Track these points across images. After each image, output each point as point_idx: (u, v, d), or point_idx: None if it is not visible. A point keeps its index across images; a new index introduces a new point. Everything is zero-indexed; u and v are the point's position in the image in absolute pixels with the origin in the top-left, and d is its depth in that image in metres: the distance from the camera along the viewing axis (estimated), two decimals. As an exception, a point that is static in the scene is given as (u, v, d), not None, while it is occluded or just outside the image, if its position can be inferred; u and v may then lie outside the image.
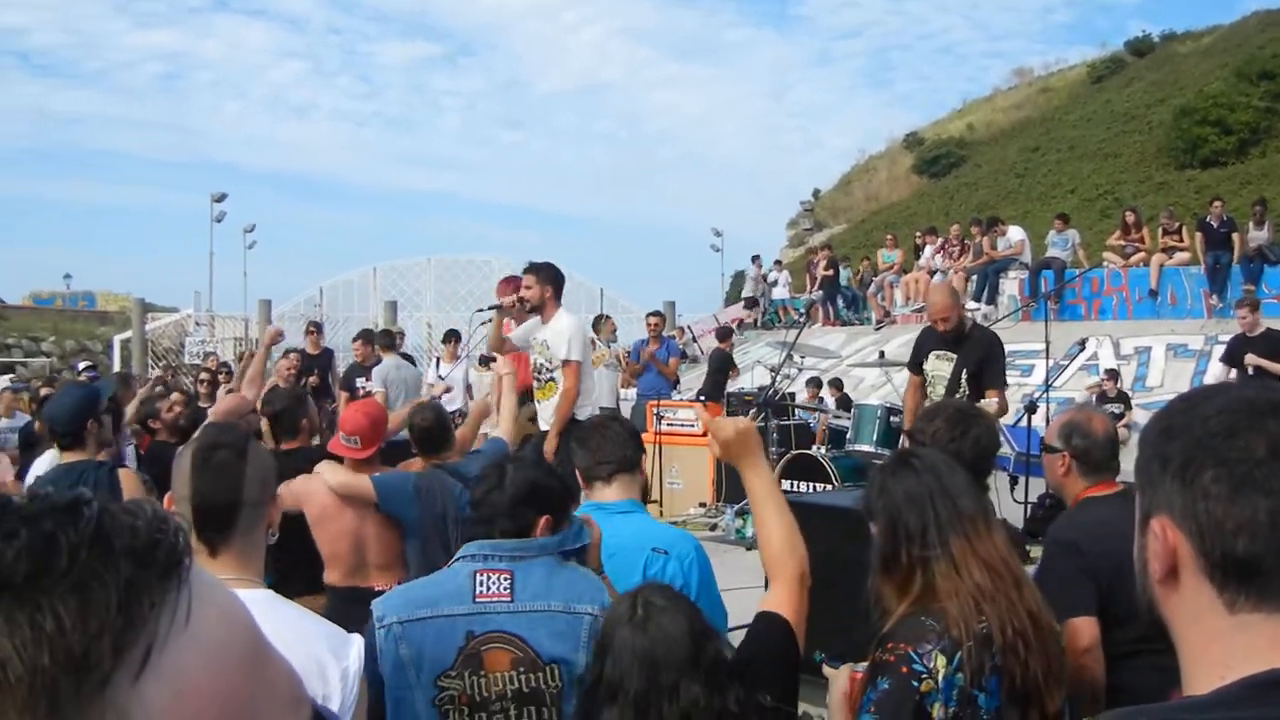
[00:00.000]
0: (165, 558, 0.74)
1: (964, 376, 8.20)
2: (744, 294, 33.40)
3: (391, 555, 5.93)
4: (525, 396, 9.96)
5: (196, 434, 3.34)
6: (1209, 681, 1.33)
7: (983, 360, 8.28)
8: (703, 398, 15.15)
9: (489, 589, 3.46)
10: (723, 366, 16.23)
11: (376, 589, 5.52)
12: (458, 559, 3.59)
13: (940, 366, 8.40)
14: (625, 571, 4.03)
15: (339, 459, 6.06)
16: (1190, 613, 1.41)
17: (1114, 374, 18.50)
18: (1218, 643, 1.36)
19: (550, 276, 8.93)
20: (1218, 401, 1.42)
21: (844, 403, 16.76)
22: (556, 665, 3.44)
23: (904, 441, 8.48)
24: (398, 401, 12.95)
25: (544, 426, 8.96)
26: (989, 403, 7.65)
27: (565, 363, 8.70)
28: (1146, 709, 1.36)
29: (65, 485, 4.99)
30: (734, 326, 26.41)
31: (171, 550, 0.75)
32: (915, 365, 8.75)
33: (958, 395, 8.09)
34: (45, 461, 6.34)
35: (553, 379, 8.85)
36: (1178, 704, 1.36)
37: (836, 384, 19.21)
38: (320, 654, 2.78)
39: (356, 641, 2.93)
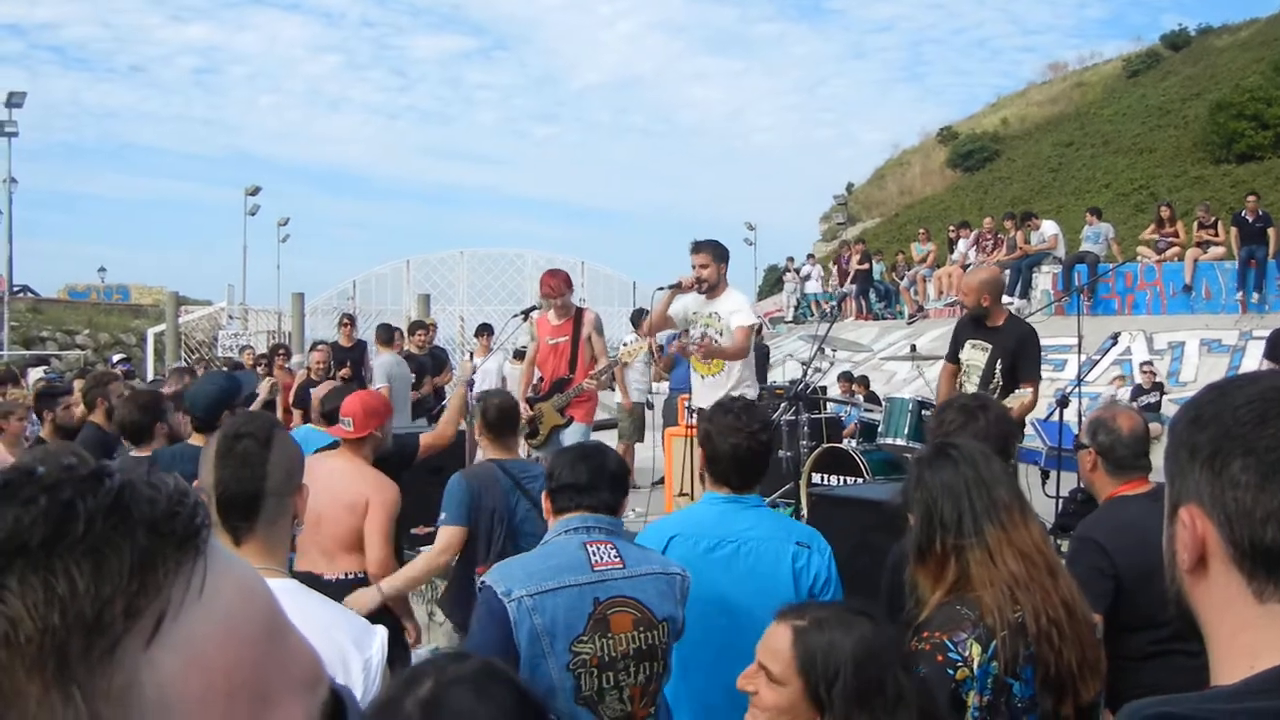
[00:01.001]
0: (183, 529, 0.75)
1: (999, 367, 8.15)
2: (785, 294, 33.44)
3: (340, 544, 5.76)
4: (555, 388, 9.96)
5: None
6: (1237, 671, 1.33)
7: (1017, 352, 8.18)
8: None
9: (603, 557, 3.74)
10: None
11: (324, 576, 5.66)
12: (559, 533, 3.83)
13: (975, 356, 8.35)
14: (771, 563, 4.25)
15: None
16: (1218, 602, 1.40)
17: (1149, 367, 18.40)
18: (1246, 632, 1.36)
19: (723, 254, 8.90)
20: (1248, 390, 1.41)
21: (870, 399, 16.72)
22: (666, 623, 3.77)
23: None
24: (400, 397, 12.96)
25: (706, 403, 8.54)
26: (1021, 394, 7.62)
27: (742, 328, 8.61)
28: (1173, 698, 1.35)
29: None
30: (766, 321, 26.35)
31: (189, 522, 0.76)
32: (952, 355, 8.71)
33: (992, 386, 8.04)
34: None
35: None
36: (1205, 694, 1.35)
37: (863, 381, 19.10)
38: (343, 644, 2.81)
39: (380, 633, 2.96)
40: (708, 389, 8.61)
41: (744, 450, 4.36)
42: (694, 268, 8.77)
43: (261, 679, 0.80)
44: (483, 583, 3.72)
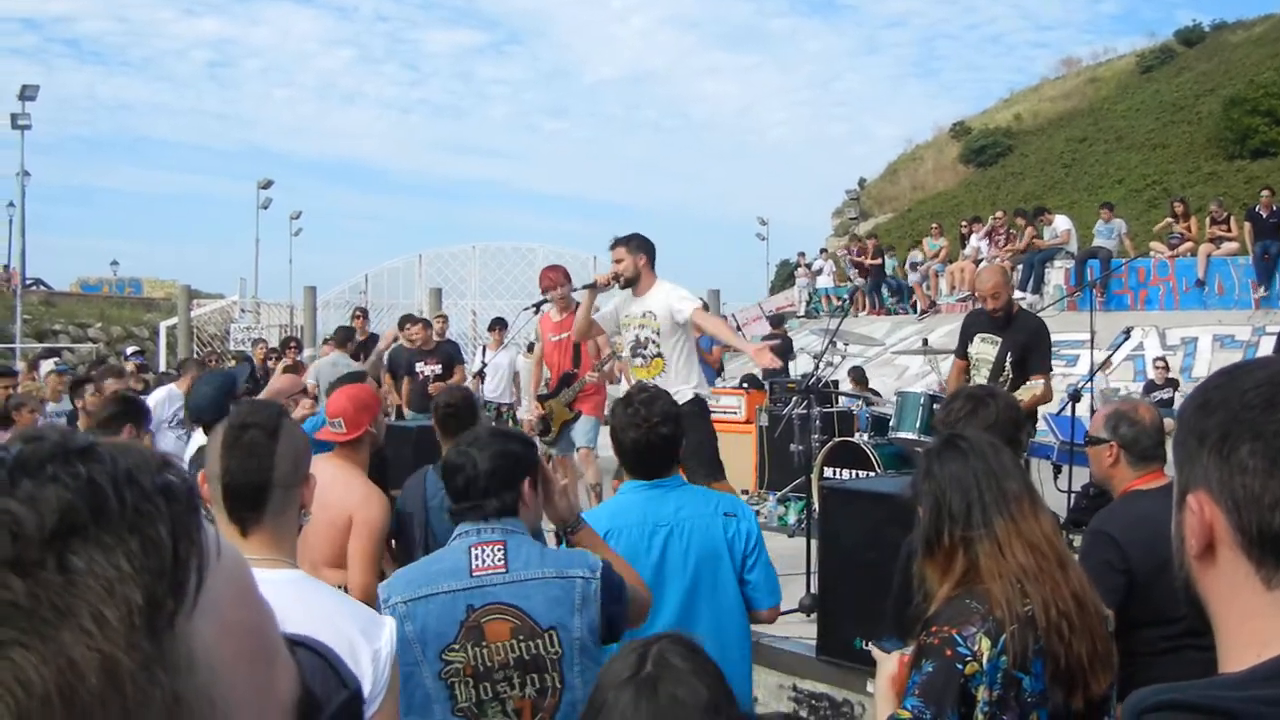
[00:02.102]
0: (187, 494, 0.74)
1: (1008, 361, 8.12)
2: (796, 288, 33.46)
3: (322, 558, 5.44)
4: (562, 384, 9.96)
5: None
6: (1245, 659, 1.32)
7: (1028, 346, 8.15)
8: (745, 385, 15.12)
9: (484, 561, 3.57)
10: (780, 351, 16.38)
11: None
12: (455, 536, 3.70)
13: (985, 350, 8.33)
14: (704, 539, 4.38)
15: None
16: (1226, 589, 1.39)
17: (1162, 362, 18.37)
18: (1254, 620, 1.34)
19: (641, 245, 8.30)
20: (1257, 374, 1.40)
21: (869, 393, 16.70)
22: (554, 631, 3.56)
23: None
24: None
25: None
26: (1032, 385, 7.59)
27: (691, 317, 8.13)
28: (1180, 686, 1.34)
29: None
30: (779, 314, 26.37)
31: (188, 486, 0.75)
32: (961, 349, 8.69)
33: (1001, 379, 8.01)
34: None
35: (659, 355, 8.18)
36: (1212, 681, 1.34)
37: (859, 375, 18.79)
38: (352, 635, 2.79)
39: (388, 624, 2.96)
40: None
41: (643, 443, 4.42)
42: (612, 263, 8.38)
43: (266, 634, 0.81)
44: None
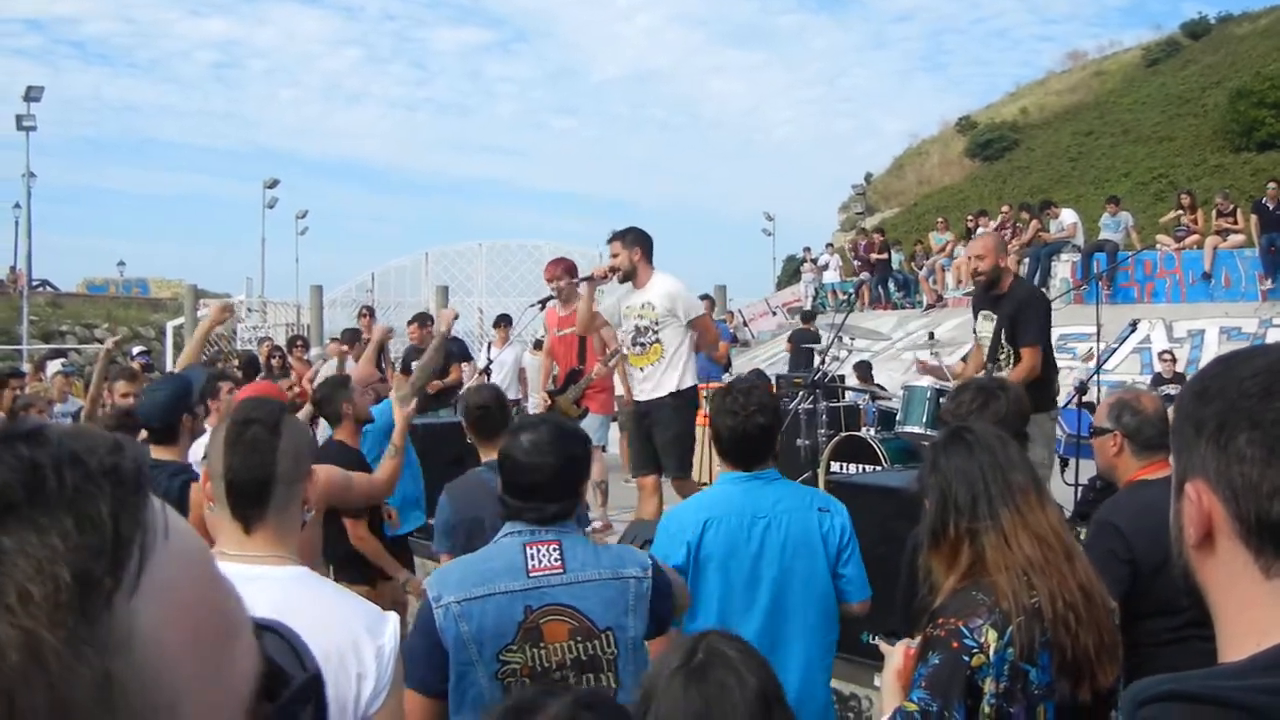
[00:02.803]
0: (135, 475, 0.74)
1: (1004, 336, 8.05)
2: (803, 284, 33.55)
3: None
4: (569, 381, 9.95)
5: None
6: (1244, 648, 1.31)
7: (1015, 316, 7.98)
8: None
9: (541, 562, 3.54)
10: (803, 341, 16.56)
11: None
12: (505, 534, 3.64)
13: (985, 327, 8.23)
14: (801, 532, 4.43)
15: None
16: (1225, 579, 1.38)
17: (1169, 355, 18.35)
18: (1253, 609, 1.34)
19: (637, 239, 8.53)
20: (1255, 363, 1.39)
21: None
22: (610, 631, 3.55)
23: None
24: None
25: (647, 396, 8.59)
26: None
27: (692, 321, 8.45)
28: (1179, 676, 1.33)
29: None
30: (785, 311, 26.49)
31: (137, 468, 0.75)
32: (977, 332, 8.64)
33: (1002, 356, 7.97)
34: None
35: (658, 341, 8.41)
36: (1212, 670, 1.34)
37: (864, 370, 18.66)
38: (356, 631, 2.79)
39: (392, 620, 2.94)
40: (644, 380, 8.59)
41: (739, 432, 4.46)
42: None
43: (226, 614, 0.80)
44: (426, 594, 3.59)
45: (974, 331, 8.60)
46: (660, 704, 2.34)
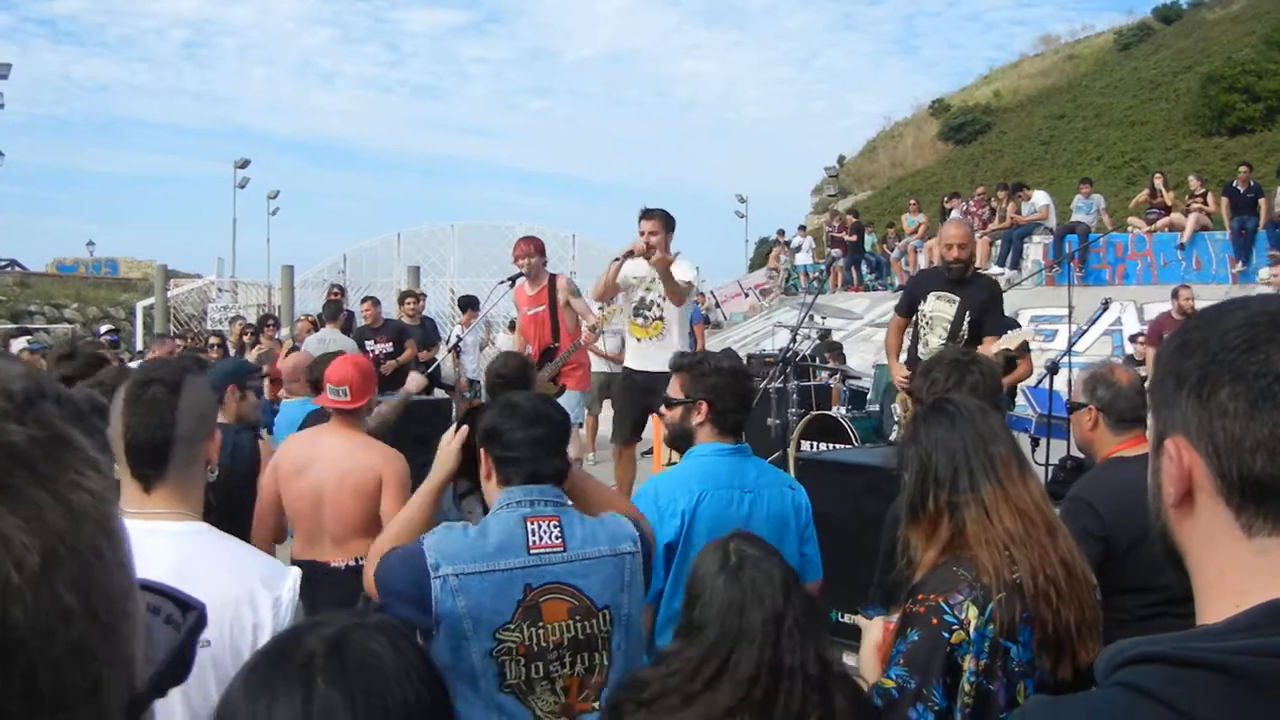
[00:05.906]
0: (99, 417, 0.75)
1: (966, 320, 8.16)
2: (769, 266, 33.59)
3: (350, 528, 5.51)
4: (544, 358, 9.92)
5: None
6: (1224, 609, 1.27)
7: (986, 306, 8.30)
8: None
9: (542, 538, 3.49)
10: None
11: (331, 564, 5.49)
12: (502, 505, 3.55)
13: (941, 308, 8.31)
14: (778, 506, 4.63)
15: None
16: (1205, 538, 1.34)
17: (1141, 338, 18.39)
18: (1234, 569, 1.30)
19: (670, 223, 8.96)
20: (1237, 315, 1.33)
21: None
22: (607, 610, 3.54)
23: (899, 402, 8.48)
24: None
25: (644, 367, 8.97)
26: (1018, 333, 7.71)
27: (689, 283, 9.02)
28: (1156, 638, 1.28)
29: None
30: (757, 293, 26.49)
31: (98, 407, 0.75)
32: (907, 307, 8.70)
33: (960, 339, 8.06)
34: None
35: (660, 318, 8.98)
36: (1190, 632, 1.28)
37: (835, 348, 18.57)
38: (251, 584, 2.86)
39: (293, 574, 2.98)
40: (644, 351, 8.96)
41: (747, 401, 4.80)
42: (643, 234, 8.83)
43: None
44: (420, 543, 3.47)
45: (910, 311, 8.64)
46: (710, 598, 2.75)
